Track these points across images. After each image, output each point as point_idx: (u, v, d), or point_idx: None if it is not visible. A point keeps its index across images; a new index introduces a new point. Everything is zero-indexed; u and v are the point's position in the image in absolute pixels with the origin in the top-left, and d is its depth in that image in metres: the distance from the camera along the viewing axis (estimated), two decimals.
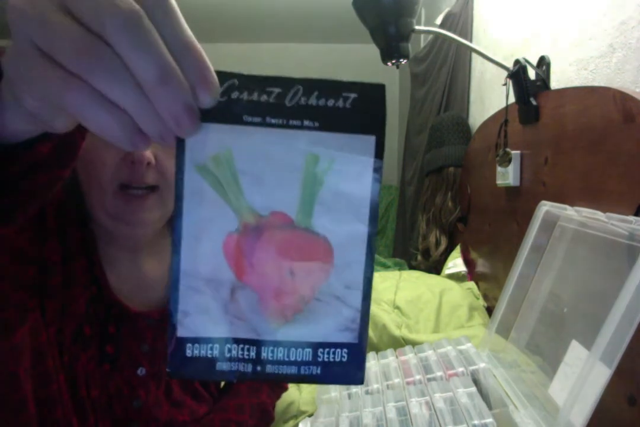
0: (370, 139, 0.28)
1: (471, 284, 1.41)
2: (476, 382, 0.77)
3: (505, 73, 1.04)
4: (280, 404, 0.94)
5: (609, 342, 0.56)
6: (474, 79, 1.68)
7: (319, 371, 0.29)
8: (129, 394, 0.60)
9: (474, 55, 1.66)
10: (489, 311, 1.25)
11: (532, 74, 1.03)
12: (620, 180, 0.72)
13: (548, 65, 1.03)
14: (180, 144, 0.27)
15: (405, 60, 1.00)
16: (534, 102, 1.01)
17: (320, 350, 0.29)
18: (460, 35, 1.51)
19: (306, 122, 0.27)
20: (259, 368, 0.29)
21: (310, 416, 0.91)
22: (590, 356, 0.58)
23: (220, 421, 0.69)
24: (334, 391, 0.83)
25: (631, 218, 0.61)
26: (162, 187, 0.57)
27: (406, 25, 0.96)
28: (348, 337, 0.30)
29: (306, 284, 0.29)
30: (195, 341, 0.29)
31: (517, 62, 1.02)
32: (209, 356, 0.29)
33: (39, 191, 0.35)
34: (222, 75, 0.26)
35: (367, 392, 0.80)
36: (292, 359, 0.29)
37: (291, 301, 0.29)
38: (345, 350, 0.30)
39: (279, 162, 0.28)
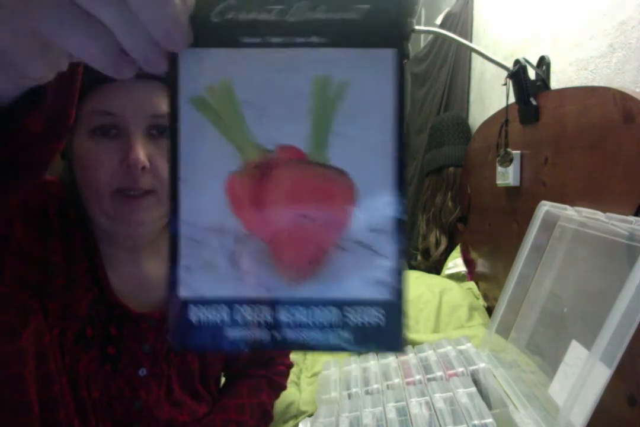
0: (389, 54, 0.25)
1: (471, 284, 1.41)
2: (476, 382, 0.77)
3: (505, 73, 1.04)
4: (280, 404, 0.94)
5: (609, 342, 0.56)
6: (474, 79, 1.68)
7: (349, 336, 0.24)
8: (130, 394, 0.60)
9: (474, 55, 1.66)
10: (489, 311, 1.25)
11: (532, 74, 1.03)
12: (620, 180, 0.72)
13: (548, 65, 1.03)
14: (172, 73, 0.24)
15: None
16: (534, 102, 1.01)
17: (348, 309, 0.24)
18: (460, 35, 1.51)
19: (313, 38, 0.24)
20: (277, 334, 0.24)
21: (310, 416, 0.91)
22: (590, 356, 0.58)
23: (221, 421, 0.69)
24: (334, 391, 0.83)
25: (631, 218, 0.61)
26: (158, 191, 0.57)
27: None
28: (381, 293, 0.24)
29: (325, 230, 0.25)
30: (200, 302, 0.24)
31: (517, 62, 1.02)
32: (217, 320, 0.24)
33: (35, 165, 0.34)
34: None
35: (367, 393, 0.80)
36: (315, 321, 0.24)
37: (308, 251, 0.25)
38: (379, 309, 0.24)
39: (285, 89, 0.24)
